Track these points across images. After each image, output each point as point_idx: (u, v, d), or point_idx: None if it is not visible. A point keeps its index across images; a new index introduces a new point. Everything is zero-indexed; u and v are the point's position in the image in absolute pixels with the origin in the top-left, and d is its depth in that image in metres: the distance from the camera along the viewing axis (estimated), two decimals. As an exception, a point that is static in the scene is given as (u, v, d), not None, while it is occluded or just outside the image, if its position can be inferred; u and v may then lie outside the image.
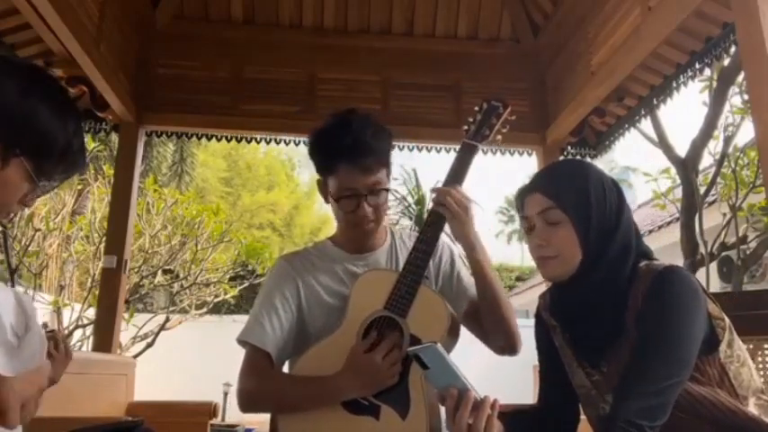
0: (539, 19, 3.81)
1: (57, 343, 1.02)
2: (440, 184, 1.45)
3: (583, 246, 1.15)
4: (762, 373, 1.58)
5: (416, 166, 6.78)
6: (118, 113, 3.35)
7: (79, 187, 7.19)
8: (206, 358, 8.35)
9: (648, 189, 4.92)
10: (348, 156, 1.41)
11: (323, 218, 17.49)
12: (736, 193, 4.37)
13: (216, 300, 7.30)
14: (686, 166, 4.40)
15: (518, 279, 17.95)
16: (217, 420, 5.05)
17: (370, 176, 1.42)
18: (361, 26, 3.82)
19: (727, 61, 3.85)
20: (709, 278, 4.20)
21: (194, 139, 4.36)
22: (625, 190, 1.27)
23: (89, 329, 5.61)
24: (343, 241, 1.55)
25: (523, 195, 1.23)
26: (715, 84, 4.28)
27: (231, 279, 7.41)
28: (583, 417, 1.30)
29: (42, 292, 6.08)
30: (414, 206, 6.77)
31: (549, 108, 3.71)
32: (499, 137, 1.54)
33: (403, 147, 3.82)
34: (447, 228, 1.45)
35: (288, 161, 20.95)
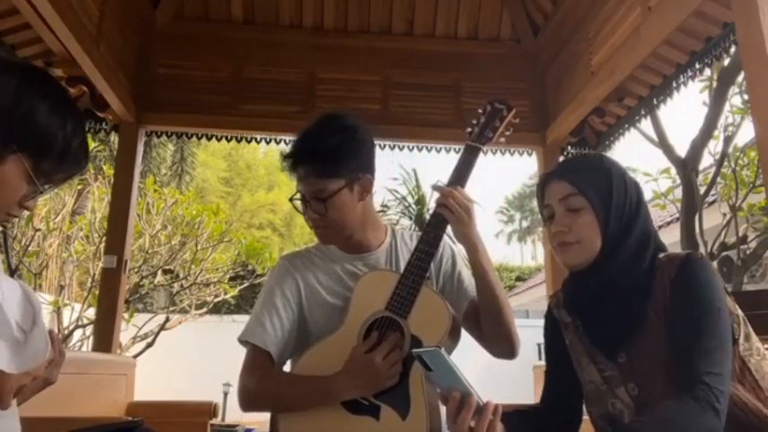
0: (539, 19, 3.81)
1: (53, 343, 1.02)
2: (441, 183, 1.45)
3: (603, 233, 1.16)
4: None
5: (416, 166, 6.78)
6: (118, 113, 3.35)
7: (79, 187, 7.19)
8: (206, 358, 8.36)
9: (648, 189, 4.93)
10: (289, 162, 1.46)
11: (323, 218, 17.43)
12: (737, 193, 4.37)
13: (216, 300, 7.30)
14: (686, 166, 4.40)
15: (518, 279, 17.96)
16: (217, 420, 5.05)
17: (312, 184, 1.44)
18: (361, 26, 3.82)
19: (727, 61, 3.86)
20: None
21: (194, 139, 4.36)
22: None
23: (89, 329, 5.61)
24: (341, 242, 1.55)
25: (545, 183, 1.24)
26: (715, 84, 4.28)
27: (231, 279, 7.41)
28: (585, 417, 1.29)
29: (42, 292, 6.09)
30: (414, 206, 6.77)
31: (549, 108, 3.71)
32: (503, 139, 1.54)
33: (403, 147, 3.82)
34: (449, 229, 1.45)
35: (288, 161, 20.88)
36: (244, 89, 3.60)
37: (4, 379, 0.89)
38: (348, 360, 1.36)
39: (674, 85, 3.13)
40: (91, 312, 5.37)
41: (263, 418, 1.48)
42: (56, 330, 5.36)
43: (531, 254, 30.95)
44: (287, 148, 1.52)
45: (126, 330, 5.09)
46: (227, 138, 3.76)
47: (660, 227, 7.08)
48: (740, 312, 1.14)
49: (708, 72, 3.90)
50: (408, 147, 3.81)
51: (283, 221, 17.97)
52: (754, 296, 3.13)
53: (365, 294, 1.43)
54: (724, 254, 4.56)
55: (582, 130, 3.66)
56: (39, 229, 5.75)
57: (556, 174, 1.23)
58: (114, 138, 4.34)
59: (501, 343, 1.46)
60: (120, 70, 3.19)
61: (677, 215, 4.94)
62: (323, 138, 1.45)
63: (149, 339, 6.32)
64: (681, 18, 2.47)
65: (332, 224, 1.47)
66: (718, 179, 4.55)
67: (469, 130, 1.52)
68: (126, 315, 5.64)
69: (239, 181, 20.47)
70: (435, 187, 1.43)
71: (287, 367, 1.52)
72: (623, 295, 1.14)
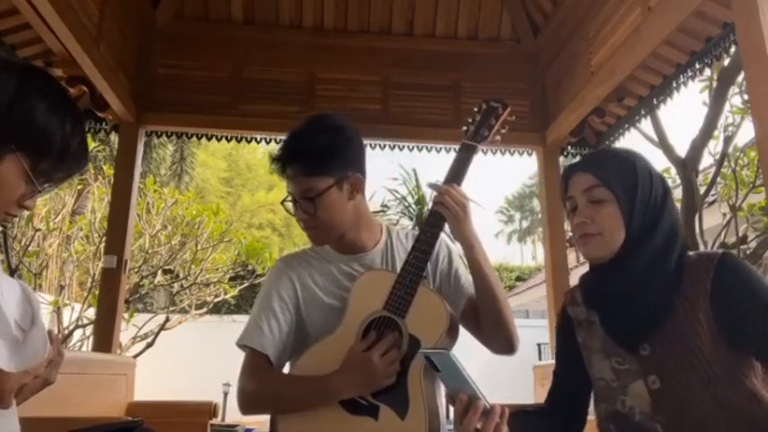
0: (539, 19, 3.81)
1: (51, 343, 1.02)
2: (438, 182, 1.45)
3: (626, 226, 1.15)
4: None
5: (416, 166, 6.78)
6: (118, 113, 3.35)
7: (79, 187, 7.20)
8: (206, 358, 8.37)
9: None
10: (278, 164, 1.47)
11: (323, 218, 17.44)
12: (737, 193, 4.37)
13: (216, 300, 7.31)
14: (686, 166, 4.40)
15: (518, 279, 17.97)
16: (217, 420, 5.05)
17: (300, 184, 1.45)
18: (361, 26, 3.82)
19: (727, 61, 3.85)
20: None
21: (194, 139, 4.36)
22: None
23: (89, 329, 5.61)
24: (336, 243, 1.56)
25: (569, 175, 1.24)
26: (715, 84, 4.28)
27: (231, 279, 7.42)
28: (590, 417, 1.28)
29: (42, 292, 6.09)
30: (414, 206, 6.76)
31: (549, 108, 3.71)
32: (498, 137, 1.55)
33: (403, 147, 3.82)
34: (446, 228, 1.45)
35: (288, 161, 20.89)
36: (244, 89, 3.60)
37: (4, 378, 0.89)
38: (345, 358, 1.36)
39: (674, 85, 3.13)
40: (91, 312, 5.37)
41: (263, 418, 1.48)
42: (55, 330, 5.37)
43: (531, 254, 30.96)
44: (276, 150, 1.53)
45: (126, 330, 5.09)
46: (227, 138, 3.76)
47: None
48: None
49: (708, 72, 3.89)
50: (408, 147, 3.80)
51: (283, 221, 17.96)
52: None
53: (363, 294, 1.43)
54: (724, 254, 4.55)
55: (582, 130, 3.66)
56: (39, 229, 5.75)
57: (580, 165, 1.23)
58: (114, 138, 4.34)
59: (500, 339, 1.46)
60: (120, 70, 3.19)
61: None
62: (310, 137, 1.46)
63: (149, 339, 6.32)
64: (681, 18, 2.47)
65: (322, 224, 1.47)
66: (718, 179, 4.55)
67: (465, 128, 1.53)
68: (126, 315, 5.64)
69: (239, 181, 20.47)
70: (431, 185, 1.44)
71: (286, 369, 1.52)
72: (648, 293, 1.13)
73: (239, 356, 1.48)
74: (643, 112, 3.50)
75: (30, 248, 5.62)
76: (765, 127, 1.89)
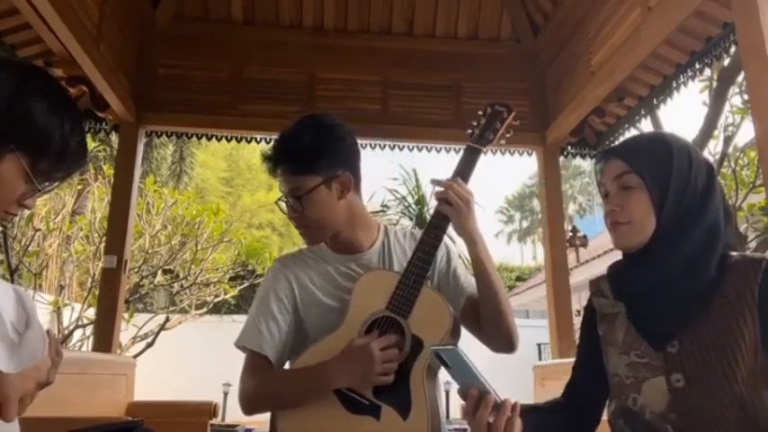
0: (539, 19, 3.81)
1: (50, 343, 1.02)
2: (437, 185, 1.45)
3: (657, 215, 1.10)
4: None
5: (416, 166, 6.78)
6: (118, 113, 3.35)
7: (79, 187, 7.20)
8: (206, 358, 8.36)
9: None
10: (269, 163, 1.48)
11: (323, 218, 17.45)
12: (736, 193, 4.37)
13: (216, 300, 7.31)
14: (686, 166, 4.40)
15: (518, 279, 17.96)
16: (217, 420, 5.05)
17: (289, 182, 1.46)
18: (361, 26, 3.82)
19: (727, 61, 3.86)
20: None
21: (194, 139, 4.36)
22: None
23: (89, 329, 5.61)
24: (332, 242, 1.56)
25: (602, 161, 1.19)
26: (715, 84, 4.28)
27: (231, 279, 7.42)
28: (604, 417, 1.26)
29: (42, 292, 6.09)
30: (414, 206, 6.77)
31: (549, 108, 3.71)
32: (503, 141, 1.55)
33: (403, 147, 3.83)
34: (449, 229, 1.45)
35: (288, 161, 20.91)
36: (244, 89, 3.60)
37: (5, 383, 0.89)
38: (344, 348, 1.36)
39: (674, 85, 3.13)
40: (91, 312, 5.37)
41: (263, 418, 1.48)
42: (55, 330, 5.37)
43: (532, 254, 30.95)
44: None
45: (126, 330, 5.09)
46: (227, 138, 3.77)
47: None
48: None
49: (708, 72, 3.90)
50: (408, 147, 3.81)
51: (283, 221, 17.95)
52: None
53: (365, 294, 1.43)
54: (724, 254, 4.55)
55: (582, 130, 3.67)
56: (39, 229, 5.75)
57: (612, 151, 1.18)
58: (114, 138, 4.34)
59: (500, 338, 1.45)
60: (120, 70, 3.19)
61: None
62: (298, 136, 1.47)
63: (149, 339, 6.32)
64: (681, 18, 2.47)
65: (311, 223, 1.47)
66: (718, 179, 4.55)
67: (470, 131, 1.53)
68: (126, 315, 5.64)
69: (239, 181, 20.47)
70: (434, 181, 1.44)
71: (287, 368, 1.52)
72: (682, 291, 1.08)
73: (239, 356, 1.48)
74: (643, 112, 3.50)
75: (30, 248, 5.62)
76: (765, 127, 1.89)
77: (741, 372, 1.02)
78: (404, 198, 6.85)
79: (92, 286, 5.81)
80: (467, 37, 3.86)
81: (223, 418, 7.02)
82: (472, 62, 3.79)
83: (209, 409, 2.55)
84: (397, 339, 1.36)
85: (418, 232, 1.57)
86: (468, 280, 1.52)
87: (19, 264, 5.46)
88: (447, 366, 1.07)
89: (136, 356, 5.13)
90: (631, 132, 3.74)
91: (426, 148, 3.77)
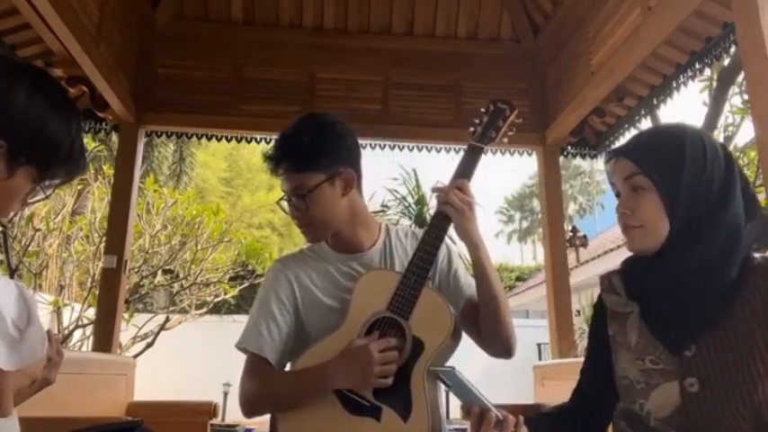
0: (539, 19, 3.81)
1: (51, 343, 1.02)
2: (440, 184, 1.44)
3: (670, 217, 1.04)
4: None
5: (416, 166, 6.77)
6: (118, 113, 3.35)
7: (79, 187, 7.20)
8: (206, 358, 8.36)
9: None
10: (271, 163, 1.48)
11: (323, 218, 17.47)
12: (737, 193, 4.37)
13: (216, 300, 7.31)
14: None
15: (518, 279, 17.96)
16: (217, 420, 5.05)
17: (292, 180, 1.46)
18: (361, 26, 3.82)
19: (727, 61, 3.86)
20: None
21: (194, 139, 4.36)
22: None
23: (89, 329, 5.61)
24: (333, 242, 1.55)
25: (611, 160, 1.14)
26: (715, 84, 4.28)
27: (231, 279, 7.42)
28: None
29: (42, 292, 6.08)
30: (414, 206, 6.76)
31: (549, 108, 3.71)
32: (505, 139, 1.53)
33: (403, 147, 3.83)
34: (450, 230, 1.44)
35: (288, 161, 20.94)
36: (244, 89, 3.60)
37: (5, 383, 0.89)
38: (343, 349, 1.35)
39: (674, 85, 3.13)
40: (91, 312, 5.37)
41: (264, 418, 1.48)
42: (55, 330, 5.37)
43: (532, 254, 30.96)
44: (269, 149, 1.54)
45: (126, 330, 5.09)
46: (227, 138, 3.76)
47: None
48: None
49: (708, 72, 3.90)
50: (408, 147, 3.81)
51: (283, 221, 17.97)
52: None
53: (365, 294, 1.42)
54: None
55: (582, 130, 3.67)
56: (39, 229, 5.75)
57: (621, 150, 1.12)
58: (114, 138, 4.34)
59: (498, 343, 1.44)
60: (120, 70, 3.19)
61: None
62: (300, 135, 1.46)
63: (149, 339, 6.33)
64: (681, 18, 2.47)
65: (315, 221, 1.47)
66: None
67: (472, 129, 1.51)
68: (126, 315, 5.64)
69: (240, 181, 20.48)
70: (435, 189, 1.42)
71: (286, 369, 1.52)
72: (700, 296, 1.03)
73: (239, 356, 1.48)
74: (643, 112, 3.50)
75: (30, 248, 5.62)
76: (765, 127, 1.89)
77: (762, 382, 0.97)
78: (404, 198, 6.84)
79: (92, 286, 5.81)
80: (467, 37, 3.86)
81: (223, 418, 7.03)
82: (472, 62, 3.79)
83: (209, 409, 2.55)
84: (398, 341, 1.36)
85: (420, 231, 1.57)
86: (469, 282, 1.51)
87: (19, 264, 5.46)
88: (447, 386, 1.09)
89: (136, 356, 5.13)
90: (631, 132, 3.75)
91: (426, 148, 3.77)
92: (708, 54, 2.86)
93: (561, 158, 3.92)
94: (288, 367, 1.52)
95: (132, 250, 5.17)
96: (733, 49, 2.81)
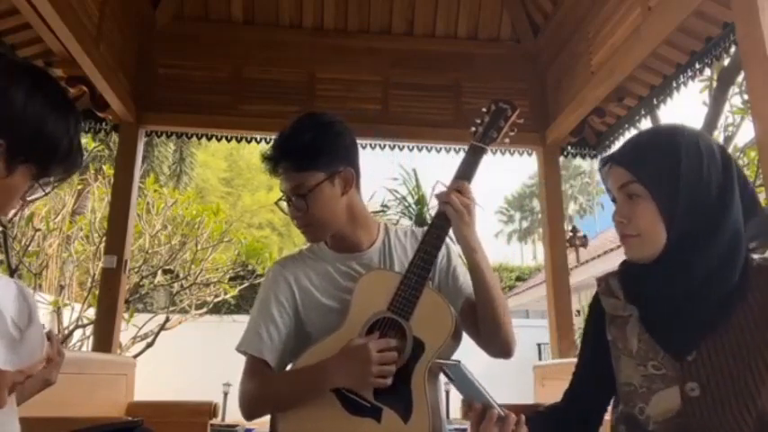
0: (539, 19, 3.81)
1: (52, 343, 1.02)
2: (440, 186, 1.44)
3: (667, 225, 1.02)
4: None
5: (416, 166, 6.77)
6: (118, 113, 3.35)
7: (79, 187, 7.20)
8: (206, 358, 8.36)
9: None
10: (270, 163, 1.47)
11: (323, 218, 17.49)
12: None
13: (216, 300, 7.31)
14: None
15: (518, 279, 17.96)
16: (217, 420, 5.05)
17: (291, 180, 1.45)
18: (361, 26, 3.82)
19: (727, 61, 3.86)
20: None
21: (194, 139, 4.36)
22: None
23: (89, 329, 5.61)
24: (332, 242, 1.55)
25: (605, 167, 1.11)
26: (715, 84, 4.28)
27: (231, 279, 7.42)
28: (606, 417, 1.22)
29: (42, 292, 6.09)
30: (414, 206, 6.77)
31: (549, 108, 3.71)
32: (507, 139, 1.53)
33: (403, 147, 3.83)
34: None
35: (288, 161, 20.98)
36: (244, 89, 3.60)
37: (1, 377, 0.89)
38: (342, 348, 1.35)
39: (674, 85, 3.13)
40: (91, 312, 5.37)
41: (264, 418, 1.48)
42: (55, 330, 5.37)
43: (532, 254, 30.95)
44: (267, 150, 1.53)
45: (126, 330, 5.09)
46: (227, 138, 3.76)
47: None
48: None
49: (708, 72, 3.90)
50: (408, 147, 3.81)
51: (283, 221, 17.97)
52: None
53: (366, 294, 1.42)
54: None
55: (582, 130, 3.67)
56: (39, 229, 5.75)
57: (614, 158, 1.09)
58: (114, 138, 4.34)
59: (497, 344, 1.44)
60: (120, 70, 3.19)
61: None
62: (299, 133, 1.46)
63: (149, 339, 6.33)
64: (681, 18, 2.47)
65: (315, 221, 1.47)
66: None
67: (474, 129, 1.51)
68: (126, 315, 5.64)
69: (240, 181, 20.49)
70: (438, 196, 1.42)
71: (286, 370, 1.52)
72: (703, 302, 1.01)
73: (239, 356, 1.48)
74: (643, 112, 3.50)
75: (30, 248, 5.62)
76: (765, 126, 1.89)
77: (765, 385, 0.96)
78: (404, 198, 6.84)
79: (92, 286, 5.81)
80: (467, 37, 3.86)
81: (223, 418, 7.03)
82: (472, 62, 3.79)
83: (209, 409, 2.55)
84: (398, 342, 1.35)
85: (419, 230, 1.57)
86: (467, 281, 1.51)
87: (19, 264, 5.46)
88: (451, 380, 1.08)
89: (136, 356, 5.13)
90: (631, 132, 3.74)
91: (426, 148, 3.77)
92: (708, 54, 2.86)
93: (561, 158, 3.92)
94: (289, 368, 1.52)
95: (132, 250, 5.17)
96: (733, 49, 2.81)
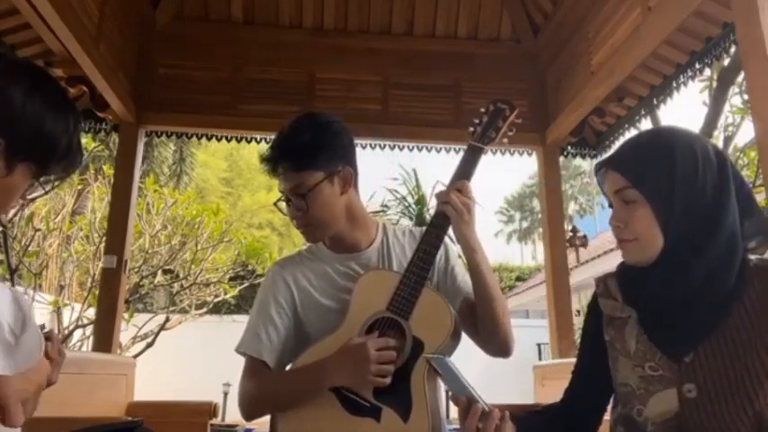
0: (539, 19, 3.81)
1: (52, 343, 1.02)
2: (440, 186, 1.44)
3: (663, 229, 1.02)
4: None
5: (416, 166, 6.78)
6: (118, 113, 3.35)
7: (79, 187, 7.19)
8: (206, 358, 8.36)
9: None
10: (268, 164, 1.47)
11: (323, 218, 17.51)
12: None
13: (216, 300, 7.31)
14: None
15: (518, 279, 17.97)
16: (217, 420, 5.05)
17: (291, 180, 1.45)
18: (361, 26, 3.82)
19: (727, 61, 3.86)
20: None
21: (194, 139, 4.36)
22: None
23: (89, 329, 5.61)
24: (331, 242, 1.55)
25: (600, 172, 1.12)
26: (715, 84, 4.28)
27: (231, 279, 7.42)
28: (605, 417, 1.23)
29: (42, 292, 6.09)
30: (414, 206, 6.77)
31: (549, 108, 3.71)
32: (505, 139, 1.53)
33: (403, 147, 3.83)
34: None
35: (288, 161, 21.01)
36: (244, 89, 3.60)
37: (4, 384, 0.89)
38: (341, 347, 1.35)
39: (674, 85, 3.13)
40: (91, 312, 5.37)
41: (264, 418, 1.48)
42: (56, 330, 5.37)
43: (532, 254, 30.96)
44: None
45: (126, 330, 5.09)
46: (227, 138, 3.77)
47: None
48: None
49: (708, 72, 3.90)
50: (408, 147, 3.81)
51: (283, 221, 17.98)
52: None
53: (365, 294, 1.42)
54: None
55: (582, 130, 3.67)
56: (39, 229, 5.75)
57: (610, 162, 1.09)
58: (114, 138, 4.34)
59: (496, 343, 1.45)
60: (120, 70, 3.19)
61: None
62: (298, 133, 1.47)
63: (149, 339, 6.33)
64: (681, 18, 2.47)
65: (314, 221, 1.47)
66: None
67: (472, 129, 1.51)
68: (126, 315, 5.64)
69: (240, 181, 20.50)
70: (437, 195, 1.42)
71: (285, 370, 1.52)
72: (701, 305, 1.02)
73: (239, 357, 1.48)
74: (643, 112, 3.50)
75: (30, 248, 5.62)
76: (765, 126, 1.89)
77: (763, 387, 0.96)
78: (404, 198, 6.85)
79: (92, 286, 5.81)
80: (467, 37, 3.86)
81: (223, 418, 7.03)
82: (472, 62, 3.79)
83: (209, 409, 2.55)
84: (398, 342, 1.35)
85: (417, 230, 1.57)
86: (466, 280, 1.51)
87: (19, 264, 5.45)
88: (438, 374, 1.09)
89: (136, 356, 5.13)
90: (631, 132, 3.74)
91: (426, 148, 3.77)
92: (708, 54, 2.86)
93: (561, 158, 3.92)
94: (288, 368, 1.52)
95: (132, 250, 5.17)
96: (733, 49, 2.81)
